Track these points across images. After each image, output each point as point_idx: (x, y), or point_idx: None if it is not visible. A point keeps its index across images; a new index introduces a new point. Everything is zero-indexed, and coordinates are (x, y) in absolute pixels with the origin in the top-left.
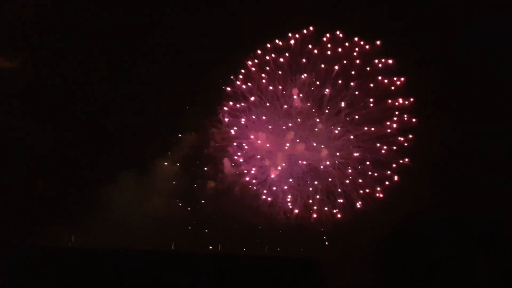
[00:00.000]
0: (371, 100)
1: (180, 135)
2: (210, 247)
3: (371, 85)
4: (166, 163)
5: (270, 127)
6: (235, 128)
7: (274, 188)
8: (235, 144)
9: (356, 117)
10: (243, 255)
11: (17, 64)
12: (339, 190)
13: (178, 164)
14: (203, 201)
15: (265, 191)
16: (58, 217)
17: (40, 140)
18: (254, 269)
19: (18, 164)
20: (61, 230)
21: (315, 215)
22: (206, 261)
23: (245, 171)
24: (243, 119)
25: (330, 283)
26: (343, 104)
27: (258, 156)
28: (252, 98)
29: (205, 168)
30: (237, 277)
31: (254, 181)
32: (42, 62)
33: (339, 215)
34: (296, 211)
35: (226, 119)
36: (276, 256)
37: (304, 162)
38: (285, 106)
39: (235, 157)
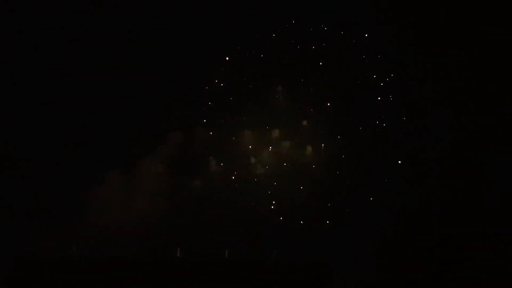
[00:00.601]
0: (357, 97)
1: (165, 134)
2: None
3: (358, 81)
4: (152, 163)
5: (253, 125)
6: (217, 127)
7: (259, 191)
8: (218, 143)
9: (342, 114)
10: (253, 261)
11: None
12: (326, 191)
13: (164, 163)
14: (190, 202)
15: (249, 193)
16: (44, 223)
17: (22, 141)
18: (266, 275)
19: None
20: (49, 237)
21: (301, 222)
22: (215, 268)
23: (229, 171)
24: (224, 117)
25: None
26: (328, 103)
27: (242, 156)
28: (233, 96)
29: (191, 167)
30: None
31: (237, 184)
32: (22, 57)
33: (327, 221)
34: (281, 218)
35: (207, 118)
36: (285, 261)
37: (289, 164)
38: (268, 104)
39: (219, 157)
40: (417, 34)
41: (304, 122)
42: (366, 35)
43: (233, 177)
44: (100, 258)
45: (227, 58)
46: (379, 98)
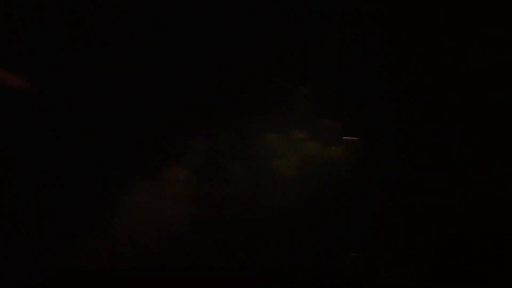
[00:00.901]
0: (358, 96)
1: (191, 141)
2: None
3: (358, 81)
4: (177, 170)
5: (277, 128)
6: (239, 131)
7: (283, 195)
8: (241, 147)
9: (343, 115)
10: (277, 266)
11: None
12: (353, 195)
13: (190, 170)
14: (217, 208)
15: (274, 197)
16: (61, 234)
17: (39, 148)
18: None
19: (13, 173)
20: (68, 250)
21: (322, 225)
22: (239, 274)
23: (253, 175)
24: (245, 121)
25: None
26: (328, 103)
27: (265, 160)
28: (250, 100)
29: (218, 174)
30: None
31: (262, 189)
32: (23, 59)
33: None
34: (307, 221)
35: (229, 123)
36: (308, 264)
37: (314, 166)
38: (291, 105)
39: (242, 161)
40: (417, 34)
41: (325, 122)
42: (364, 35)
43: (258, 181)
44: (126, 269)
45: (240, 61)
46: (379, 98)
